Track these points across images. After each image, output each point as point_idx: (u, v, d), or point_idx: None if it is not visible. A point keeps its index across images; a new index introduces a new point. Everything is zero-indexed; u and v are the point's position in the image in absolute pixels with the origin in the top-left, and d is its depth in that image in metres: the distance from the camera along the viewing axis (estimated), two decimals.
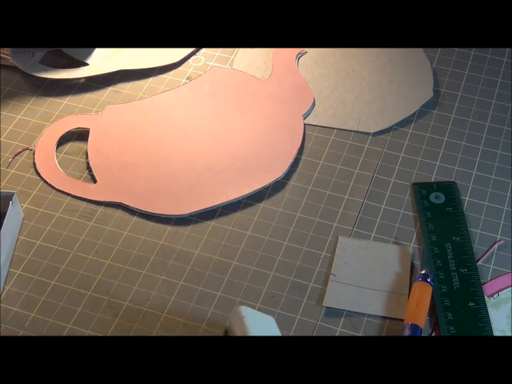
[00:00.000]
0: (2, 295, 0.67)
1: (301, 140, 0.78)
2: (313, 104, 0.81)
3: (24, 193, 0.74)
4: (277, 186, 0.74)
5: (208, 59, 0.87)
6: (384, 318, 0.64)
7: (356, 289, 0.66)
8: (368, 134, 0.79)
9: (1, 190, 0.73)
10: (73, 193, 0.74)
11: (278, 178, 0.74)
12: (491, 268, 0.67)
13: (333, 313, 0.65)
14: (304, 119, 0.80)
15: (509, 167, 0.75)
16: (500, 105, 0.81)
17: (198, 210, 0.72)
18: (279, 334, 0.59)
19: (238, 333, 0.56)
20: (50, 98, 0.84)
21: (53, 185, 0.75)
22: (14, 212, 0.70)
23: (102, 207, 0.73)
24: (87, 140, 0.78)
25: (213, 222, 0.72)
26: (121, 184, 0.74)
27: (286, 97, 0.82)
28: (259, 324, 0.58)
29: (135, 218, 0.72)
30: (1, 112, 0.82)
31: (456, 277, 0.66)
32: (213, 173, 0.75)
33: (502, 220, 0.71)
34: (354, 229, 0.70)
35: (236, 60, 0.87)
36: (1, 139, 0.79)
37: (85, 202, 0.74)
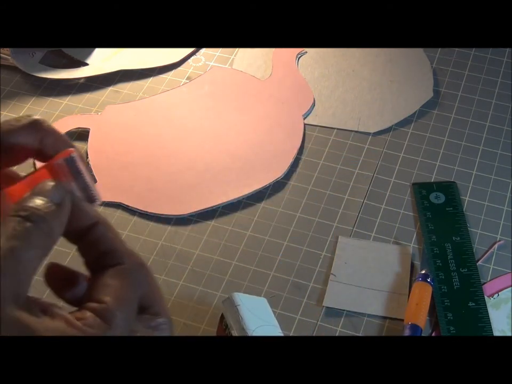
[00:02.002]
0: None
1: (301, 140, 0.78)
2: (313, 104, 0.81)
3: None
4: (277, 186, 0.74)
5: (208, 59, 0.87)
6: (384, 318, 0.64)
7: (356, 289, 0.66)
8: (368, 134, 0.79)
9: None
10: None
11: (278, 178, 0.74)
12: (491, 268, 0.67)
13: (333, 313, 0.65)
14: (304, 119, 0.80)
15: (509, 167, 0.75)
16: (500, 105, 0.81)
17: (198, 210, 0.72)
18: (272, 314, 0.60)
19: (232, 321, 0.57)
20: (50, 98, 0.84)
21: None
22: None
23: (102, 207, 0.73)
24: (87, 140, 0.78)
25: (213, 222, 0.72)
26: (121, 184, 0.74)
27: (286, 97, 0.82)
28: (252, 308, 0.58)
29: (135, 218, 0.72)
30: (1, 112, 0.82)
31: (456, 277, 0.66)
32: (213, 173, 0.75)
33: (502, 220, 0.71)
34: (354, 229, 0.70)
35: (236, 60, 0.87)
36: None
37: None
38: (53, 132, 0.41)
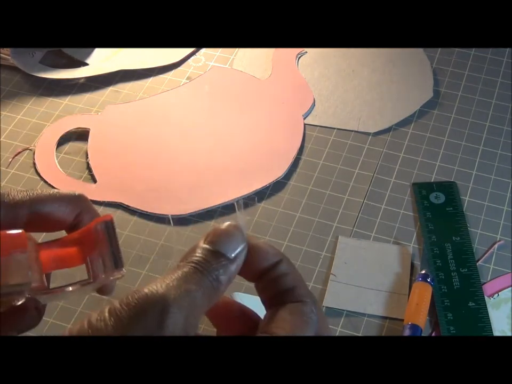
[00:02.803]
0: None
1: (301, 140, 0.78)
2: (313, 104, 0.81)
3: None
4: (277, 186, 0.74)
5: (208, 59, 0.87)
6: (384, 318, 0.64)
7: (356, 289, 0.66)
8: (368, 134, 0.79)
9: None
10: None
11: (278, 178, 0.74)
12: (491, 268, 0.67)
13: (333, 313, 0.65)
14: (304, 119, 0.80)
15: (509, 167, 0.75)
16: (500, 105, 0.81)
17: (198, 210, 0.72)
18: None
19: None
20: (50, 98, 0.83)
21: (53, 185, 0.75)
22: None
23: (102, 207, 0.73)
24: (87, 140, 0.78)
25: (212, 222, 0.72)
26: (121, 184, 0.74)
27: (286, 97, 0.82)
28: (252, 308, 0.58)
29: (135, 218, 0.72)
30: (1, 112, 0.82)
31: (456, 277, 0.66)
32: (213, 173, 0.75)
33: (502, 220, 0.71)
34: (354, 229, 0.70)
35: (236, 60, 0.87)
36: (1, 139, 0.79)
37: None
38: (92, 210, 0.41)
